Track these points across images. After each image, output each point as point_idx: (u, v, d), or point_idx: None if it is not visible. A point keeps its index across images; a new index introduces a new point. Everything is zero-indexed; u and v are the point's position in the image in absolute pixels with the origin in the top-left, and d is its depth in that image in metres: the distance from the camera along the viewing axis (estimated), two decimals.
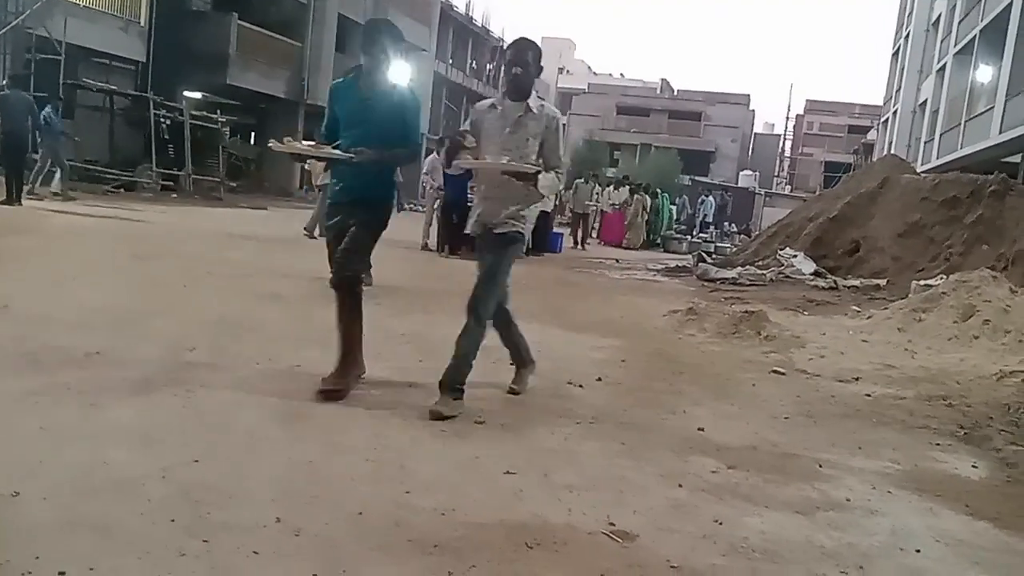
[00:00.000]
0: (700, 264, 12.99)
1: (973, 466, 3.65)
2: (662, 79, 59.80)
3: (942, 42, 27.03)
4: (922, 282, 8.55)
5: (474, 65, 42.18)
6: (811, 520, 2.83)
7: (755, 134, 58.12)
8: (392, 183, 4.03)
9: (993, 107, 19.06)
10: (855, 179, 16.10)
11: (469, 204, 11.46)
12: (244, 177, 20.75)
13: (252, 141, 24.63)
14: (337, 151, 3.74)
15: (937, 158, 24.06)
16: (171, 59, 19.08)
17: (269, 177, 21.92)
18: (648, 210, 20.49)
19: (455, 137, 3.78)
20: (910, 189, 12.37)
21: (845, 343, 6.59)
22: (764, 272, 11.79)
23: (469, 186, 11.57)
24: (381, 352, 4.69)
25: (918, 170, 18.41)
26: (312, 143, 3.85)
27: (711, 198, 28.89)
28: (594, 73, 62.75)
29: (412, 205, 19.23)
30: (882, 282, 10.68)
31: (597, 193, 19.74)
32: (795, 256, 12.08)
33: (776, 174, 57.21)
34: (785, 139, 61.08)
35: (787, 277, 11.45)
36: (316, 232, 10.58)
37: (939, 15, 28.58)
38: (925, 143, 27.23)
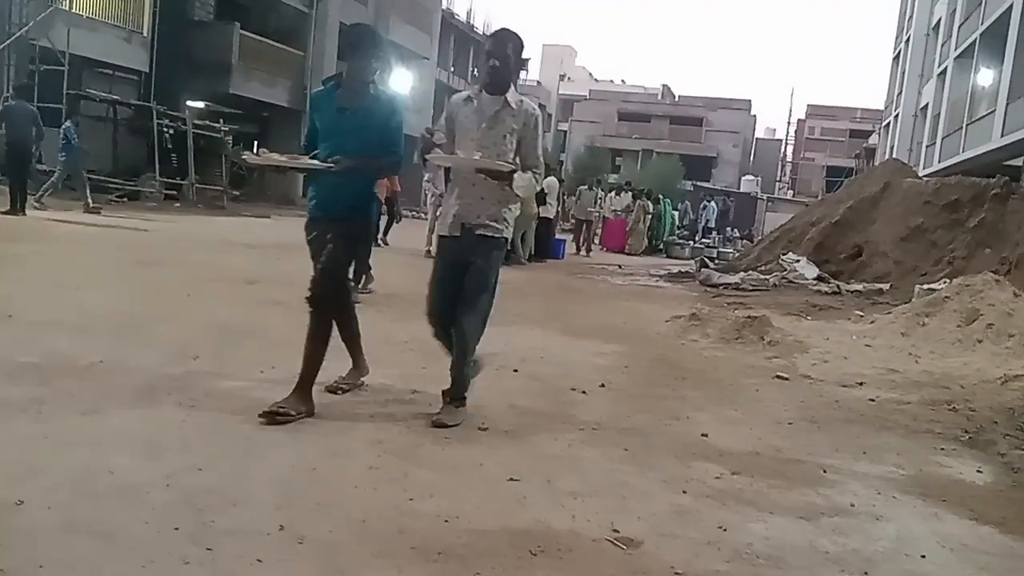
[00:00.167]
0: (703, 269, 12.99)
1: (978, 471, 3.64)
2: (663, 85, 59.92)
3: (943, 46, 27.07)
4: (925, 286, 8.54)
5: (475, 73, 42.26)
6: (815, 526, 2.82)
7: (757, 139, 58.14)
8: (371, 196, 3.81)
9: (994, 111, 19.07)
10: (857, 183, 16.08)
11: None
12: (247, 185, 20.78)
13: (255, 150, 24.65)
14: (314, 161, 3.58)
15: (939, 162, 24.06)
16: (174, 69, 19.16)
17: (272, 186, 21.95)
18: (651, 216, 20.51)
19: (423, 133, 3.68)
20: (912, 193, 12.36)
21: (848, 348, 6.58)
22: (767, 277, 11.78)
23: None
24: (384, 359, 4.69)
25: (920, 174, 18.39)
26: (288, 155, 3.70)
27: (713, 203, 28.90)
28: (595, 80, 62.86)
29: (415, 212, 19.21)
30: (885, 286, 10.66)
31: (600, 199, 19.76)
32: (798, 261, 12.07)
33: (778, 179, 57.24)
34: (787, 144, 61.15)
35: (790, 282, 11.43)
36: None
37: (939, 19, 28.63)
38: (927, 147, 27.24)
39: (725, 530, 2.69)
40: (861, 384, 5.24)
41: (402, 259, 11.16)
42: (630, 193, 20.63)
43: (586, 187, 18.93)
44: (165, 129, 17.51)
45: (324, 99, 3.70)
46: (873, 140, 41.79)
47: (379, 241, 11.75)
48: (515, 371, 4.81)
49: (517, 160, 3.64)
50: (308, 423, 3.38)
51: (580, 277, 12.17)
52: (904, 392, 5.06)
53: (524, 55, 3.73)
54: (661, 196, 22.70)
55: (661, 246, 21.12)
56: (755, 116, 55.99)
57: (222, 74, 20.55)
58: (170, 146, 17.69)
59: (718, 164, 48.40)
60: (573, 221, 18.84)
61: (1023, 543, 2.84)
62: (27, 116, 11.51)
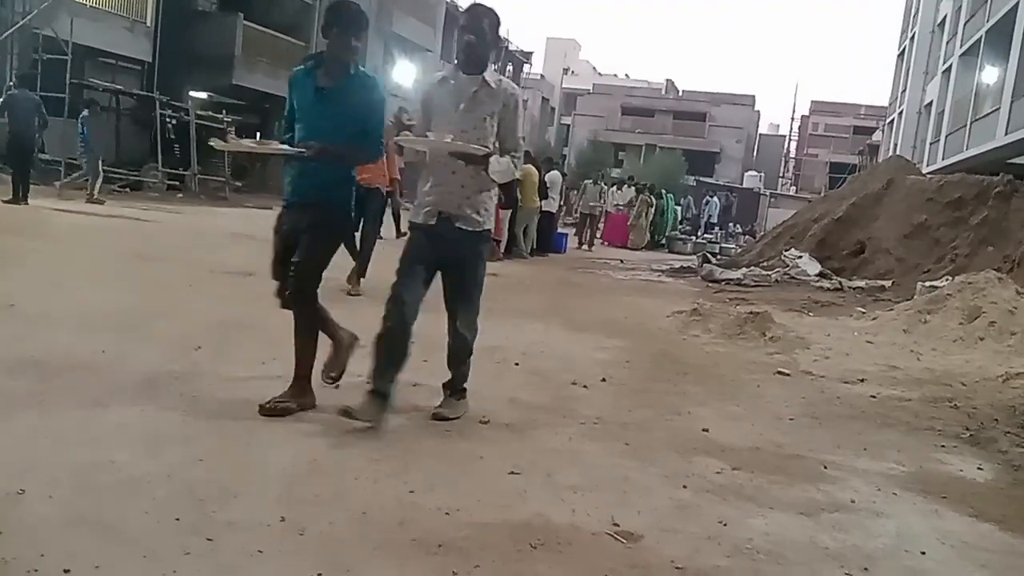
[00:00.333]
0: (705, 265, 12.97)
1: (978, 468, 3.64)
2: (667, 80, 59.74)
3: (948, 43, 26.97)
4: (927, 283, 8.52)
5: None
6: (815, 521, 2.82)
7: (760, 135, 58.03)
8: (349, 183, 3.57)
9: (999, 108, 19.00)
10: (860, 180, 16.06)
11: None
12: (249, 177, 20.75)
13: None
14: (286, 146, 3.43)
15: (943, 159, 24.00)
16: (177, 59, 19.13)
17: (274, 177, 21.87)
18: (653, 210, 20.47)
19: (395, 115, 3.44)
20: (915, 190, 12.33)
21: (850, 344, 6.57)
22: (769, 273, 11.76)
23: None
24: None
25: (923, 171, 18.32)
26: (258, 140, 3.54)
27: (716, 199, 28.88)
28: (599, 74, 62.72)
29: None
30: (887, 283, 10.65)
31: (604, 194, 19.71)
32: (800, 257, 12.05)
33: (781, 175, 57.17)
34: (790, 140, 61.04)
35: (792, 278, 11.42)
36: None
37: (945, 16, 28.52)
38: (930, 144, 27.15)
39: (725, 525, 2.69)
40: (862, 381, 5.23)
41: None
42: (633, 188, 20.59)
43: (591, 181, 18.90)
44: (168, 120, 17.52)
45: (302, 78, 3.52)
46: (877, 137, 41.68)
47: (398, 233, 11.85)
48: (516, 365, 4.82)
49: (496, 144, 3.42)
50: (308, 416, 3.38)
51: (582, 271, 12.17)
52: (905, 389, 5.06)
53: (502, 33, 3.55)
54: (664, 191, 22.66)
55: (663, 241, 21.10)
56: (759, 112, 55.88)
57: (225, 65, 20.52)
58: (173, 137, 17.70)
59: (721, 159, 48.30)
60: (578, 216, 18.80)
61: (1023, 541, 2.84)
62: (30, 106, 11.50)
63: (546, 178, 13.71)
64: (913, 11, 34.22)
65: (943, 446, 3.94)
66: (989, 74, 21.63)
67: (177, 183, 17.57)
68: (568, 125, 52.98)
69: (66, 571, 1.97)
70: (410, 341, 3.44)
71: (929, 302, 7.20)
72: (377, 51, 27.25)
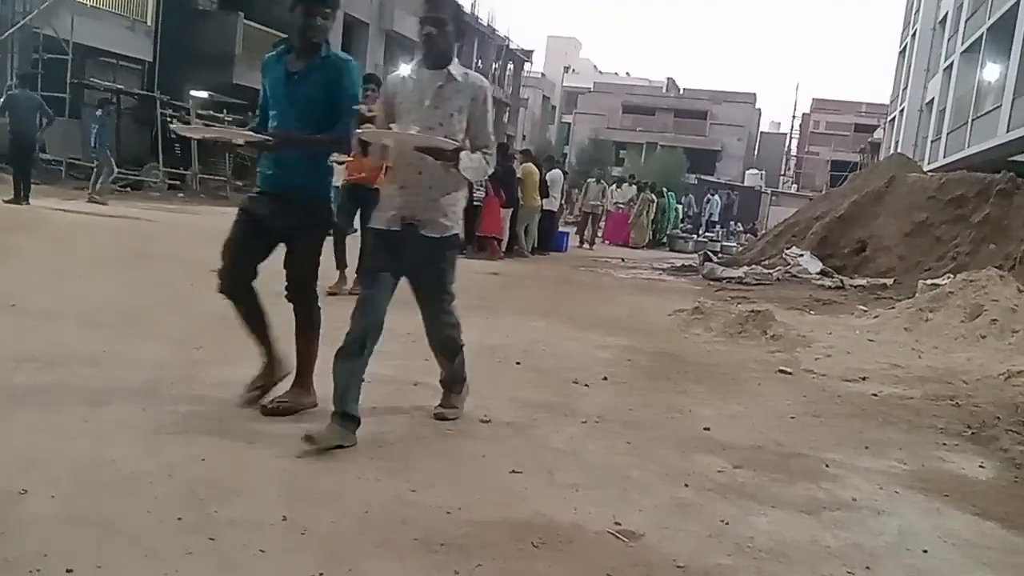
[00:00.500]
0: (706, 263, 12.97)
1: (980, 466, 3.64)
2: (668, 78, 59.76)
3: (949, 40, 26.93)
4: (929, 281, 8.52)
5: (480, 64, 42.16)
6: (817, 520, 2.82)
7: (761, 133, 58.01)
8: (325, 172, 3.43)
9: (1000, 106, 18.97)
10: (861, 178, 16.05)
11: (476, 203, 11.59)
12: (250, 176, 20.73)
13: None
14: (250, 133, 3.30)
15: (944, 157, 23.97)
16: (177, 58, 19.14)
17: None
18: (655, 209, 20.46)
19: (357, 107, 3.17)
20: (917, 188, 12.32)
21: (851, 343, 6.56)
22: (770, 271, 11.76)
23: (475, 185, 11.61)
24: (386, 350, 4.68)
25: (925, 169, 18.31)
26: (222, 125, 3.49)
27: (717, 197, 28.83)
28: (600, 72, 62.70)
29: None
30: (889, 281, 10.64)
31: (607, 192, 19.67)
32: (801, 255, 12.05)
33: (782, 173, 57.13)
34: (791, 138, 60.96)
35: (793, 276, 11.42)
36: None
37: (946, 13, 28.48)
38: (932, 142, 27.13)
39: (727, 523, 2.69)
40: (864, 379, 5.23)
41: None
42: (633, 186, 20.57)
43: (593, 180, 18.90)
44: (169, 119, 17.52)
45: (274, 64, 3.36)
46: (878, 135, 41.64)
47: None
48: (517, 363, 4.82)
49: (467, 141, 3.21)
50: (310, 414, 3.38)
51: (583, 270, 12.17)
52: (907, 387, 5.05)
53: (463, 22, 3.30)
54: (665, 189, 22.65)
55: (664, 240, 21.09)
56: (760, 110, 55.89)
57: (226, 64, 20.51)
58: (174, 136, 17.69)
59: (722, 158, 48.30)
60: (580, 214, 18.79)
61: None
62: (31, 105, 11.50)
63: (547, 177, 13.71)
64: (914, 8, 34.17)
65: (945, 444, 3.94)
66: (990, 71, 21.61)
67: (178, 182, 17.58)
68: (569, 123, 53.00)
69: (68, 571, 1.97)
70: (369, 356, 3.19)
71: (931, 300, 7.20)
72: (378, 50, 27.26)
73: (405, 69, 3.33)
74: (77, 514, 2.28)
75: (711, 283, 11.24)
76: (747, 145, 50.95)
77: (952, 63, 25.23)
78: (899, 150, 26.16)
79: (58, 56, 16.00)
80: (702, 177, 35.44)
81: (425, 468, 2.93)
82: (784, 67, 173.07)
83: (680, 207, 24.91)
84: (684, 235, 22.04)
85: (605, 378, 4.66)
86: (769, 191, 37.22)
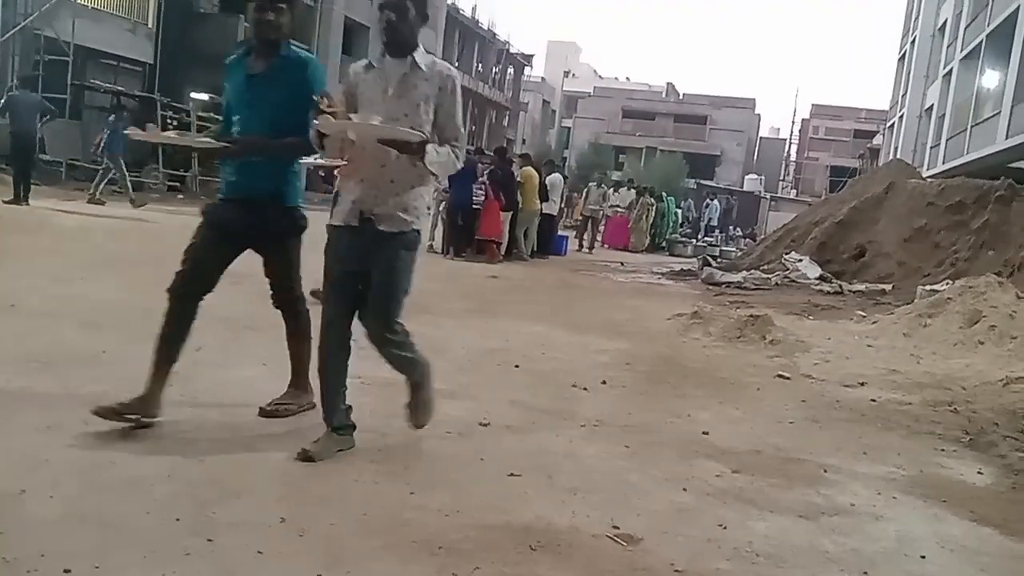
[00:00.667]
0: (705, 268, 12.98)
1: (978, 472, 3.64)
2: (668, 83, 59.86)
3: (948, 47, 26.99)
4: (928, 287, 8.52)
5: (480, 68, 42.26)
6: (816, 525, 2.82)
7: (761, 138, 58.08)
8: (293, 178, 3.25)
9: (999, 112, 19.02)
10: (861, 184, 16.06)
11: (475, 207, 11.61)
12: None
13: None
14: (209, 140, 3.18)
15: (943, 163, 24.01)
16: (178, 60, 19.18)
17: None
18: (654, 213, 20.47)
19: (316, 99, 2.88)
20: (916, 194, 12.34)
21: (850, 348, 6.57)
22: (769, 276, 11.77)
23: (475, 188, 11.63)
24: None
25: (924, 175, 18.35)
26: (179, 131, 3.37)
27: (716, 202, 28.88)
28: (600, 77, 62.79)
29: None
30: (887, 287, 10.65)
31: (607, 197, 19.67)
32: (800, 260, 12.06)
33: (781, 178, 57.21)
34: (791, 143, 61.07)
35: (792, 281, 11.42)
36: None
37: (945, 20, 28.55)
38: (931, 148, 27.17)
39: (725, 528, 2.69)
40: (863, 384, 5.23)
41: None
42: (632, 190, 20.60)
43: (594, 184, 18.91)
44: (169, 121, 17.53)
45: (235, 66, 3.24)
46: (877, 140, 41.72)
47: None
48: (517, 367, 4.82)
49: (434, 133, 3.01)
50: (309, 416, 3.38)
51: (582, 274, 12.17)
52: (906, 393, 5.06)
53: (425, 7, 3.00)
54: (664, 194, 22.67)
55: (663, 244, 21.10)
56: (759, 115, 55.98)
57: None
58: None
59: (722, 162, 48.36)
60: (580, 218, 18.80)
61: (1023, 545, 2.84)
62: (31, 106, 11.53)
63: (547, 181, 13.73)
64: (914, 15, 34.25)
65: (943, 450, 3.94)
66: (990, 78, 21.66)
67: (178, 184, 17.58)
68: (569, 128, 53.06)
69: (66, 571, 1.97)
70: (348, 360, 3.12)
71: (929, 306, 7.20)
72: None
73: (367, 59, 3.12)
74: (76, 515, 2.28)
75: (710, 288, 11.24)
76: (747, 150, 51.02)
77: (951, 69, 25.28)
78: (898, 156, 26.26)
79: (59, 58, 16.03)
80: (701, 182, 35.50)
81: (424, 471, 2.93)
82: (784, 73, 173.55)
83: (679, 212, 24.93)
84: (683, 240, 22.05)
85: (604, 382, 4.66)
86: (768, 196, 37.27)
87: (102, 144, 13.12)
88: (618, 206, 20.00)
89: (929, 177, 17.92)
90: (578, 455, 3.32)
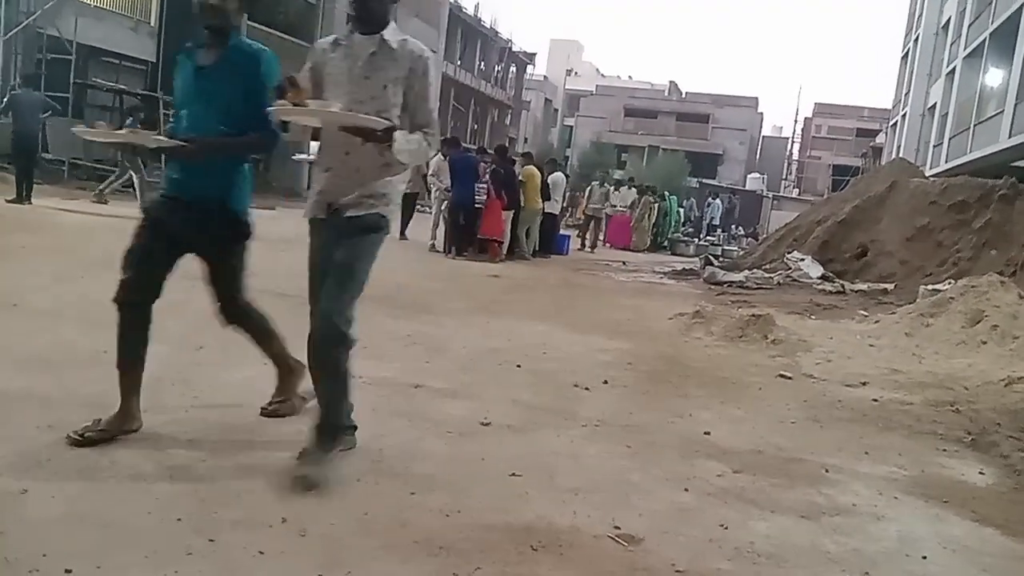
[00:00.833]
0: (707, 267, 12.97)
1: (980, 472, 3.64)
2: (670, 81, 59.81)
3: (952, 45, 26.94)
4: (930, 287, 8.51)
5: (482, 66, 42.25)
6: (817, 525, 2.82)
7: (763, 137, 58.03)
8: (245, 178, 3.07)
9: (1003, 111, 18.97)
10: (863, 183, 16.04)
11: (477, 206, 11.61)
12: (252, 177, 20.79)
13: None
14: (163, 138, 3.00)
15: (946, 162, 23.97)
16: None
17: (277, 177, 21.98)
18: (656, 212, 20.46)
19: (280, 83, 2.71)
20: (918, 193, 12.32)
21: (852, 347, 6.56)
22: (771, 276, 11.75)
23: (477, 187, 11.63)
24: (386, 353, 4.70)
25: (927, 174, 18.32)
26: (131, 129, 2.95)
27: (718, 201, 28.86)
28: (602, 75, 62.76)
29: (419, 206, 19.40)
30: (890, 286, 10.64)
31: (610, 196, 19.65)
32: (802, 260, 12.04)
33: (784, 177, 57.16)
34: (793, 142, 61.04)
35: (794, 281, 11.41)
36: None
37: (949, 18, 28.50)
38: (934, 147, 27.13)
39: (727, 528, 2.69)
40: (864, 384, 5.23)
41: (405, 253, 11.16)
42: (633, 189, 20.59)
43: (597, 183, 18.91)
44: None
45: (183, 60, 3.07)
46: (880, 139, 41.65)
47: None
48: (518, 366, 4.82)
49: (404, 116, 2.82)
50: (311, 415, 3.38)
51: (584, 273, 12.17)
52: (907, 393, 5.05)
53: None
54: (667, 193, 22.65)
55: (665, 243, 21.09)
56: (762, 114, 55.91)
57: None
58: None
59: (724, 161, 48.32)
60: (583, 217, 18.78)
61: None
62: (34, 105, 11.53)
63: (549, 179, 13.72)
64: (917, 13, 34.19)
65: (945, 450, 3.94)
66: (993, 76, 21.61)
67: None
68: (571, 126, 53.05)
69: (67, 571, 1.98)
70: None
71: (931, 305, 7.19)
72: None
73: (335, 36, 2.96)
74: (77, 514, 2.28)
75: (712, 287, 11.23)
76: (749, 149, 50.98)
77: (955, 68, 25.24)
78: (901, 155, 26.21)
79: (62, 56, 16.02)
80: (704, 181, 35.47)
81: (425, 471, 2.93)
82: (786, 71, 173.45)
83: (681, 211, 24.91)
84: (685, 239, 22.03)
85: (606, 382, 4.66)
86: (771, 195, 37.20)
87: None
88: (615, 204, 19.99)
89: (932, 176, 17.91)
90: (579, 455, 3.32)
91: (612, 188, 20.15)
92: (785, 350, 6.11)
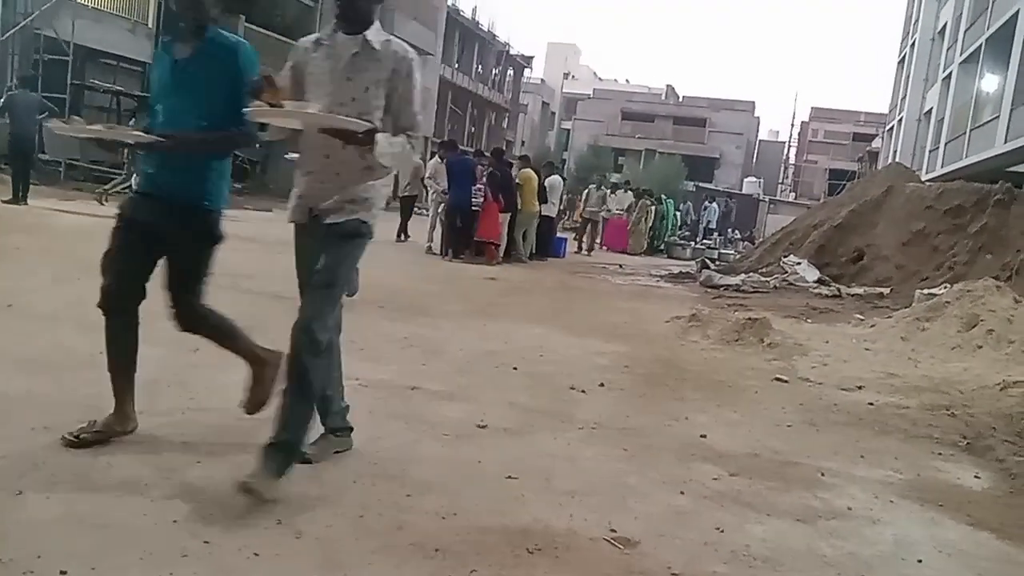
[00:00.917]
0: (703, 270, 12.99)
1: (976, 476, 3.64)
2: (667, 85, 59.88)
3: (948, 51, 27.03)
4: (926, 291, 8.53)
5: (480, 69, 42.28)
6: (813, 528, 2.83)
7: (760, 141, 58.14)
8: (222, 176, 2.99)
9: (998, 116, 19.04)
10: (859, 187, 16.09)
11: (474, 208, 11.62)
12: (250, 179, 20.80)
13: (258, 144, 24.71)
14: (141, 133, 2.88)
15: (942, 167, 24.04)
16: None
17: (275, 179, 21.97)
18: (653, 216, 20.48)
19: (256, 80, 2.62)
20: (914, 198, 12.36)
21: (848, 351, 6.58)
22: (768, 279, 11.78)
23: (474, 190, 11.64)
24: (383, 355, 4.70)
25: (923, 179, 18.38)
26: (107, 124, 2.93)
27: (715, 204, 28.90)
28: (599, 79, 62.84)
29: (416, 209, 19.43)
30: (886, 291, 10.66)
31: (607, 199, 19.66)
32: (799, 264, 12.07)
33: (780, 181, 57.21)
34: (790, 146, 61.10)
35: (791, 284, 11.43)
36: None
37: (945, 24, 28.59)
38: (930, 152, 27.20)
39: (723, 531, 2.69)
40: (860, 388, 5.24)
41: (402, 256, 11.16)
42: (629, 192, 20.60)
43: (594, 186, 18.93)
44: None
45: (161, 53, 2.97)
46: (876, 144, 41.74)
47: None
48: (515, 369, 4.82)
49: (386, 119, 2.74)
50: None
51: (581, 276, 12.17)
52: (903, 396, 5.06)
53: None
54: (663, 196, 22.68)
55: (662, 247, 21.11)
56: (758, 118, 56.05)
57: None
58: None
59: (721, 165, 48.42)
60: (580, 220, 18.79)
61: (1020, 549, 2.84)
62: (31, 106, 11.51)
63: (546, 182, 13.74)
64: (913, 18, 34.30)
65: (940, 454, 3.94)
66: (989, 82, 21.69)
67: None
68: (568, 130, 53.11)
69: (63, 572, 1.97)
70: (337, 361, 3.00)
71: (927, 310, 7.21)
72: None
73: (317, 34, 2.87)
74: (73, 516, 2.28)
75: (708, 290, 11.25)
76: (746, 153, 51.08)
77: (951, 73, 25.32)
78: (897, 159, 26.26)
79: (59, 57, 16.01)
80: (700, 184, 35.54)
81: (421, 473, 2.93)
82: (783, 76, 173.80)
83: (678, 214, 24.94)
84: (682, 242, 22.06)
85: (602, 385, 4.66)
86: (767, 199, 37.26)
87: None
88: (611, 208, 19.99)
89: (928, 181, 17.95)
90: (576, 458, 3.32)
91: (609, 191, 20.14)
92: (781, 354, 6.12)
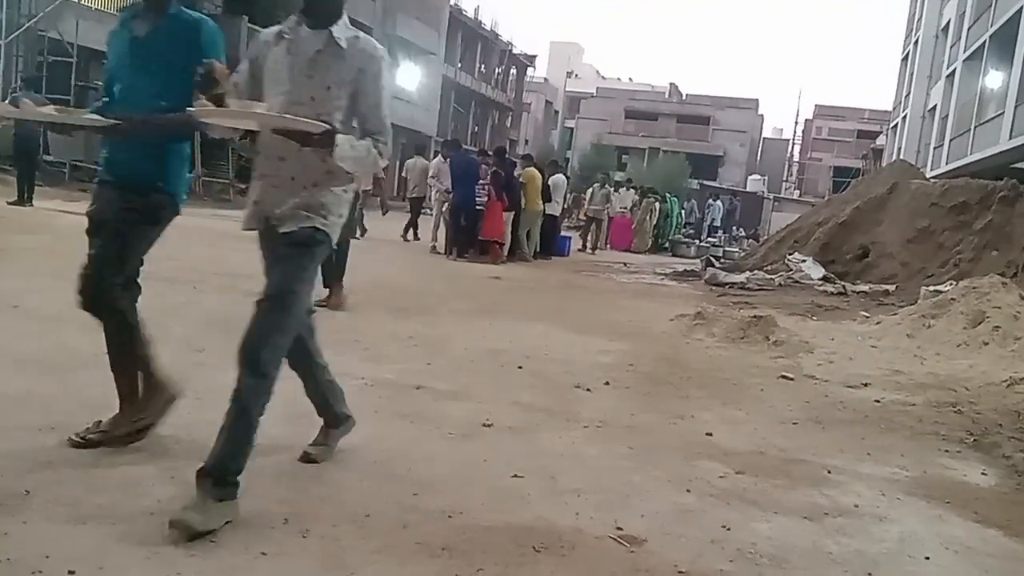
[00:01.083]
0: (708, 268, 12.97)
1: (982, 473, 3.63)
2: (671, 83, 59.89)
3: (952, 48, 26.97)
4: (931, 288, 8.52)
5: (483, 69, 42.28)
6: (819, 526, 2.82)
7: (764, 139, 58.06)
8: (182, 160, 2.86)
9: (1003, 113, 18.99)
10: (864, 184, 16.06)
11: (478, 207, 11.62)
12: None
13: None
14: (95, 116, 2.70)
15: (946, 164, 23.99)
16: None
17: None
18: (657, 214, 20.46)
19: (201, 72, 2.34)
20: (919, 195, 12.33)
21: (854, 349, 6.56)
22: (772, 277, 11.76)
23: (478, 189, 11.64)
24: (388, 354, 4.70)
25: (927, 176, 18.35)
26: (58, 108, 2.81)
27: (719, 203, 28.87)
28: (602, 77, 62.80)
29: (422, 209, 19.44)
30: (891, 288, 10.64)
31: (609, 197, 19.64)
32: (804, 261, 12.05)
33: (784, 179, 57.21)
34: (794, 144, 61.09)
35: (796, 282, 11.42)
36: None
37: (948, 21, 28.53)
38: (934, 149, 27.15)
39: (729, 529, 2.69)
40: (866, 385, 5.23)
41: (406, 255, 11.16)
42: (632, 190, 20.58)
43: (598, 184, 18.92)
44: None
45: (118, 31, 2.81)
46: (880, 141, 41.67)
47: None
48: (519, 368, 4.82)
49: (352, 121, 2.54)
50: (310, 419, 3.37)
51: (585, 274, 12.17)
52: (909, 394, 5.05)
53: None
54: (667, 195, 22.66)
55: (666, 245, 21.10)
56: (762, 116, 55.96)
57: (230, 67, 20.53)
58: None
59: (725, 163, 48.38)
60: (584, 219, 18.78)
61: None
62: None
63: (550, 181, 13.74)
64: (917, 16, 34.23)
65: (947, 451, 3.93)
66: (993, 79, 21.63)
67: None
68: (571, 129, 53.09)
69: (71, 572, 1.97)
70: (324, 371, 2.94)
71: (933, 307, 7.19)
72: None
73: (280, 26, 2.67)
74: (79, 516, 2.28)
75: (713, 288, 11.24)
76: (750, 151, 51.03)
77: (955, 70, 25.26)
78: (902, 156, 26.23)
79: (63, 59, 16.06)
80: (704, 182, 35.48)
81: (426, 472, 2.93)
82: (787, 73, 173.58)
83: (683, 212, 24.92)
84: (686, 240, 22.04)
85: (607, 383, 4.66)
86: (771, 197, 37.22)
87: None
88: (615, 206, 19.98)
89: (932, 178, 17.91)
90: (581, 456, 3.32)
91: (612, 190, 20.12)
92: (786, 351, 6.11)
